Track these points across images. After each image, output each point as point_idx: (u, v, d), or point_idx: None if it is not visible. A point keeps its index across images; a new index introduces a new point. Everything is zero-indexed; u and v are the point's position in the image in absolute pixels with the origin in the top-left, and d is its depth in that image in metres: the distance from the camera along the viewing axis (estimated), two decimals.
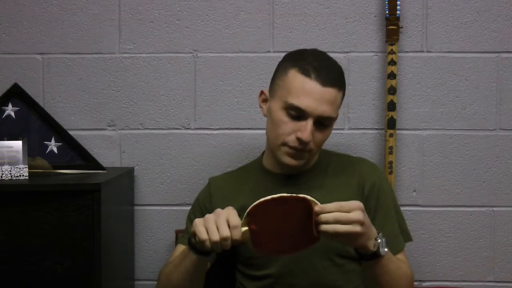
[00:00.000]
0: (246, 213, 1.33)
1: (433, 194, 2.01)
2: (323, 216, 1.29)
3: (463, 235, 2.01)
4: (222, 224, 1.31)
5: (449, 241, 2.01)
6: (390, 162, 1.94)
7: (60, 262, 1.62)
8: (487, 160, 2.00)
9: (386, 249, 1.39)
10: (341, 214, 1.29)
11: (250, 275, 1.63)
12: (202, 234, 1.32)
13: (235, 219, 1.32)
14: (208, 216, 1.34)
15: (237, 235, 1.31)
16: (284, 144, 1.53)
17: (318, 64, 1.52)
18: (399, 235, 1.62)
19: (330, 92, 1.50)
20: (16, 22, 2.02)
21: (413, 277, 1.57)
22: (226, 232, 1.30)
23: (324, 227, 1.30)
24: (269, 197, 1.31)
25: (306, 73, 1.50)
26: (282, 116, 1.52)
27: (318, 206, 1.31)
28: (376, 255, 1.38)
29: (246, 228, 1.32)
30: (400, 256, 1.59)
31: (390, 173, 1.94)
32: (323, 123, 1.52)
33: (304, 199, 1.31)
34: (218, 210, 1.35)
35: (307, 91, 1.49)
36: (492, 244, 2.01)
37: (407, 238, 1.66)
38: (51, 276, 1.62)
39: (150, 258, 2.04)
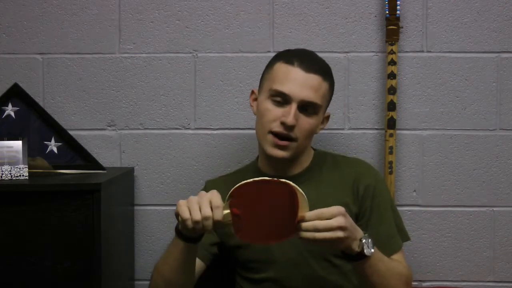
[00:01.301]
0: (228, 194, 1.33)
1: (433, 194, 2.01)
2: (303, 225, 1.30)
3: (463, 235, 2.01)
4: (205, 205, 1.32)
5: (449, 241, 2.01)
6: (390, 162, 1.94)
7: (60, 262, 1.62)
8: (487, 160, 2.00)
9: (372, 250, 1.39)
10: (320, 222, 1.30)
11: (249, 278, 1.63)
12: (185, 213, 1.33)
13: (217, 200, 1.33)
14: (191, 197, 1.36)
15: (218, 215, 1.31)
16: (270, 131, 1.55)
17: (302, 55, 1.59)
18: (396, 236, 1.62)
19: (313, 78, 1.55)
20: (16, 22, 2.02)
21: (410, 277, 1.57)
22: (207, 212, 1.31)
23: (303, 234, 1.31)
24: (250, 179, 1.32)
25: (289, 62, 1.56)
26: (267, 104, 1.56)
27: (300, 216, 1.30)
28: (361, 256, 1.38)
29: (228, 211, 1.32)
30: (397, 256, 1.59)
31: (390, 173, 1.94)
32: (307, 109, 1.55)
33: (286, 184, 1.30)
34: (202, 192, 1.36)
35: (290, 77, 1.54)
36: (492, 244, 2.01)
37: (405, 237, 1.66)
38: (51, 276, 1.61)
39: (150, 258, 2.04)
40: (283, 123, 1.53)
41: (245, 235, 1.35)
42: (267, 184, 1.31)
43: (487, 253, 2.01)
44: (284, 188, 1.31)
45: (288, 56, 1.58)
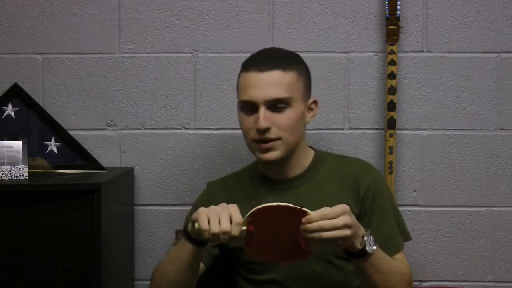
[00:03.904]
0: (249, 213, 1.34)
1: (433, 194, 2.01)
2: (309, 226, 1.31)
3: (463, 235, 2.01)
4: (225, 218, 1.33)
5: (449, 241, 2.01)
6: (390, 162, 1.94)
7: (60, 262, 1.62)
8: (487, 160, 2.00)
9: (374, 247, 1.39)
10: (325, 222, 1.31)
11: (251, 279, 1.63)
12: (204, 223, 1.34)
13: (238, 216, 1.34)
14: (213, 207, 1.36)
15: (236, 232, 1.33)
16: (252, 140, 1.56)
17: (258, 56, 1.60)
18: (398, 235, 1.61)
19: (270, 75, 1.53)
20: (16, 22, 2.02)
21: (411, 276, 1.56)
22: (227, 227, 1.32)
23: (311, 235, 1.31)
24: (275, 203, 1.33)
25: (247, 69, 1.57)
26: (241, 115, 1.58)
27: (305, 218, 1.31)
28: (363, 253, 1.39)
29: (245, 228, 1.34)
30: (398, 256, 1.58)
31: (390, 173, 1.94)
32: (277, 106, 1.53)
33: (307, 213, 1.32)
34: (224, 204, 1.37)
35: (249, 83, 1.55)
36: (492, 244, 2.01)
37: (406, 237, 1.66)
38: (51, 276, 1.62)
39: (150, 258, 2.04)
40: (257, 129, 1.53)
41: (254, 252, 1.37)
42: (291, 210, 1.32)
43: (487, 253, 2.01)
44: (304, 216, 1.32)
45: (247, 64, 1.58)
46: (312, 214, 1.32)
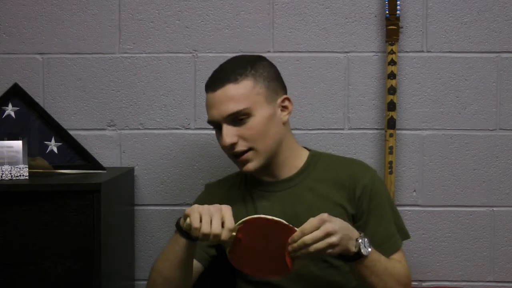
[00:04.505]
0: (242, 220, 1.35)
1: (433, 194, 2.01)
2: (295, 245, 1.33)
3: (463, 235, 2.01)
4: (217, 221, 1.34)
5: (449, 241, 2.01)
6: (390, 162, 1.94)
7: (60, 262, 1.62)
8: (487, 160, 2.00)
9: (369, 249, 1.40)
10: (307, 237, 1.32)
11: (249, 280, 1.63)
12: (195, 221, 1.35)
13: (231, 221, 1.35)
14: (207, 206, 1.37)
15: (226, 236, 1.34)
16: (228, 155, 1.60)
17: (212, 75, 1.61)
18: (396, 235, 1.61)
19: (222, 92, 1.54)
20: (16, 22, 2.02)
21: (409, 276, 1.57)
22: (217, 230, 1.33)
23: (298, 253, 1.34)
24: (270, 216, 1.34)
25: (206, 91, 1.60)
26: (216, 134, 1.61)
27: (290, 238, 1.33)
28: (358, 256, 1.39)
29: (234, 233, 1.35)
30: (397, 255, 1.58)
31: (390, 173, 1.94)
32: (237, 119, 1.54)
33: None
34: (218, 205, 1.37)
35: (208, 104, 1.58)
36: (492, 244, 2.01)
37: (405, 236, 1.66)
38: (51, 276, 1.61)
39: (150, 258, 2.04)
40: (225, 146, 1.56)
41: (236, 259, 1.39)
42: (282, 228, 1.34)
43: (487, 253, 2.01)
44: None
45: (205, 85, 1.60)
46: (294, 234, 1.33)
